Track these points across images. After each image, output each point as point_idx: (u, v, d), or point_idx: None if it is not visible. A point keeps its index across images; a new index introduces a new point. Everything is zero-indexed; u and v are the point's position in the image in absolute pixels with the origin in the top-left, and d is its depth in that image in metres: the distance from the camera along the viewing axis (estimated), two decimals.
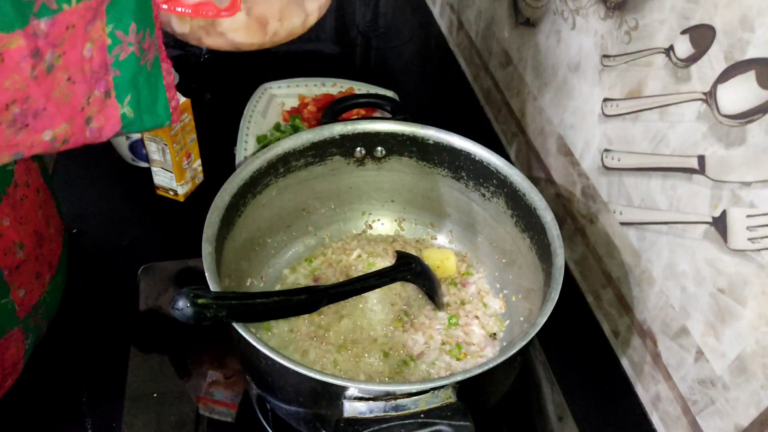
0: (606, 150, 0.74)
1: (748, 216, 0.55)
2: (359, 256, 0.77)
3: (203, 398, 0.68)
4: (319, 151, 0.74)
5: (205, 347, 0.72)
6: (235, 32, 0.81)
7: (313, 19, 0.90)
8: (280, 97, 0.99)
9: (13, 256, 0.56)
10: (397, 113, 0.81)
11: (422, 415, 0.50)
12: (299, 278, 0.75)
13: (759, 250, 0.54)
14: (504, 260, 0.75)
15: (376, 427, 0.50)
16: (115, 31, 0.46)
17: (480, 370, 0.53)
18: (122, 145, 0.88)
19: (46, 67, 0.42)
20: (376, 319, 0.70)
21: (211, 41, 0.83)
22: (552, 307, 0.57)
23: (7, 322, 0.57)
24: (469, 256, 0.79)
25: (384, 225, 0.82)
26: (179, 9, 0.74)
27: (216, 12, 0.75)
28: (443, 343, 0.69)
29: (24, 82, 0.41)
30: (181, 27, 0.83)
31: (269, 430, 0.66)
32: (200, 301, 0.51)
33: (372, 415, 0.50)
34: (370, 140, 0.75)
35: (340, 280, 0.70)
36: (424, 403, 0.51)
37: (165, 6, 0.78)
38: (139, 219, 0.86)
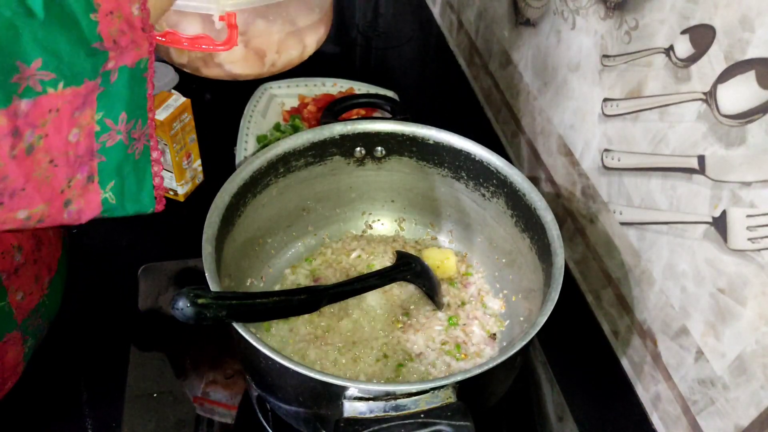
0: (606, 150, 0.74)
1: (748, 216, 0.55)
2: (359, 256, 0.77)
3: (202, 398, 0.68)
4: (319, 151, 0.74)
5: (205, 347, 0.72)
6: (233, 64, 0.81)
7: (310, 51, 0.91)
8: (280, 97, 0.99)
9: (11, 259, 0.56)
10: (397, 113, 0.81)
11: (422, 415, 0.50)
12: (299, 278, 0.75)
13: (759, 250, 0.54)
14: (504, 260, 0.75)
15: (376, 427, 0.50)
16: (104, 119, 0.45)
17: (480, 370, 0.53)
18: None
19: (26, 147, 0.41)
20: (376, 320, 0.70)
21: (209, 72, 0.83)
22: (552, 307, 0.57)
23: (5, 326, 0.57)
24: (469, 256, 0.79)
25: (384, 225, 0.82)
26: (176, 42, 0.74)
27: (213, 46, 0.74)
28: (443, 344, 0.69)
29: (3, 161, 0.41)
30: (179, 58, 0.83)
31: (269, 430, 0.66)
32: (200, 301, 0.51)
33: (372, 415, 0.50)
34: (370, 140, 0.75)
35: (340, 280, 0.70)
36: (424, 403, 0.51)
37: (163, 39, 0.77)
38: (139, 219, 0.86)
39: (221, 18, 0.73)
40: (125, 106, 0.46)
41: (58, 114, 0.42)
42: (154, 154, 0.51)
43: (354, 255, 0.77)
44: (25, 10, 0.40)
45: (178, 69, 0.97)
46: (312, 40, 0.88)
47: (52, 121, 0.42)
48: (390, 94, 0.98)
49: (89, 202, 0.47)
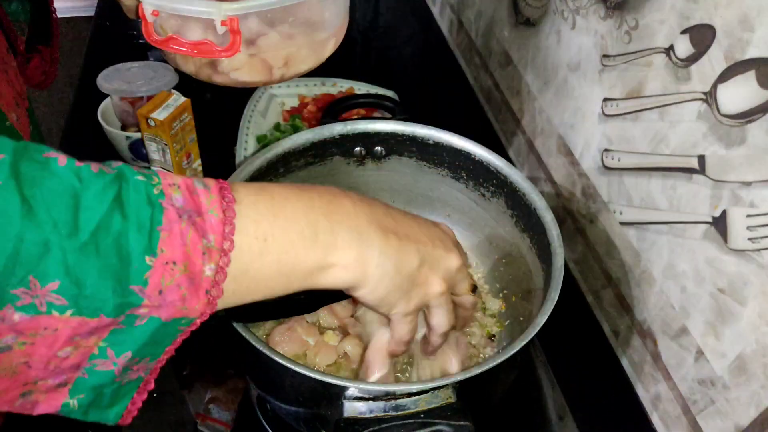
0: (606, 150, 0.74)
1: (748, 216, 0.55)
2: None
3: (203, 397, 0.68)
4: (319, 151, 0.74)
5: (205, 347, 0.72)
6: (237, 71, 0.80)
7: (322, 59, 0.89)
8: (280, 96, 0.99)
9: None
10: (397, 113, 0.81)
11: (422, 415, 0.50)
12: None
13: (759, 250, 0.54)
14: (504, 260, 0.75)
15: (376, 427, 0.50)
16: (107, 348, 0.40)
17: (480, 370, 0.53)
18: (122, 145, 0.88)
19: (1, 346, 0.36)
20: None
21: (220, 79, 0.82)
22: (552, 307, 0.57)
23: None
24: (468, 256, 0.79)
25: None
26: (178, 47, 0.72)
27: (216, 51, 0.73)
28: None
29: None
30: (185, 65, 0.82)
31: (269, 430, 0.66)
32: None
33: (372, 415, 0.50)
34: (370, 140, 0.75)
35: None
36: (424, 403, 0.51)
37: (152, 38, 0.76)
38: None
39: (223, 23, 0.72)
40: (135, 348, 0.40)
41: (54, 333, 0.37)
42: (146, 384, 0.44)
43: None
44: (70, 229, 0.35)
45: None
46: (325, 48, 0.87)
47: (45, 336, 0.37)
48: (390, 94, 0.98)
49: (50, 402, 0.41)
